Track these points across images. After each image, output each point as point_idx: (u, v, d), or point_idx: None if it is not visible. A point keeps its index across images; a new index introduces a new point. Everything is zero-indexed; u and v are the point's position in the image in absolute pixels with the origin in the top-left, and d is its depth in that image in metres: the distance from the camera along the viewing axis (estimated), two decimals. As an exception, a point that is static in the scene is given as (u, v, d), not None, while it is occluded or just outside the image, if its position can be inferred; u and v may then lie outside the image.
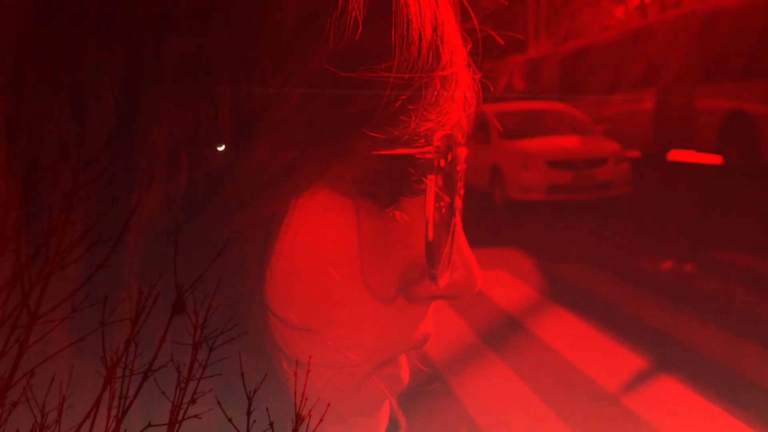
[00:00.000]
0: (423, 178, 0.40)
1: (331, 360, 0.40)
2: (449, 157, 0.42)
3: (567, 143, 8.61)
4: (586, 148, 8.42)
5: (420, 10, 0.40)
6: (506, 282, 5.56)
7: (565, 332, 4.49)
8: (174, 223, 0.35)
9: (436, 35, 0.40)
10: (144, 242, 0.34)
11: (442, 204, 0.42)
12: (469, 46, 0.45)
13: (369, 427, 0.45)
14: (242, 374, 0.29)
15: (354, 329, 0.41)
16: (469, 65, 0.45)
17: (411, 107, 0.39)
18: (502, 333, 4.52)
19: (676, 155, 11.66)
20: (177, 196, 0.35)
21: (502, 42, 0.51)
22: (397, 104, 0.38)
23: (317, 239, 0.39)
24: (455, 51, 0.42)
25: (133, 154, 0.35)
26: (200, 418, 0.25)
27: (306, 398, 0.38)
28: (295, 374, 0.36)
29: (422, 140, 0.40)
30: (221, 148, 0.35)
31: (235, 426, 0.27)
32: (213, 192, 0.35)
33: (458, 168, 0.44)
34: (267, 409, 0.26)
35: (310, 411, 0.28)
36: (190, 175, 0.35)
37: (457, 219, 0.45)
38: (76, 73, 0.35)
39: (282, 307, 0.38)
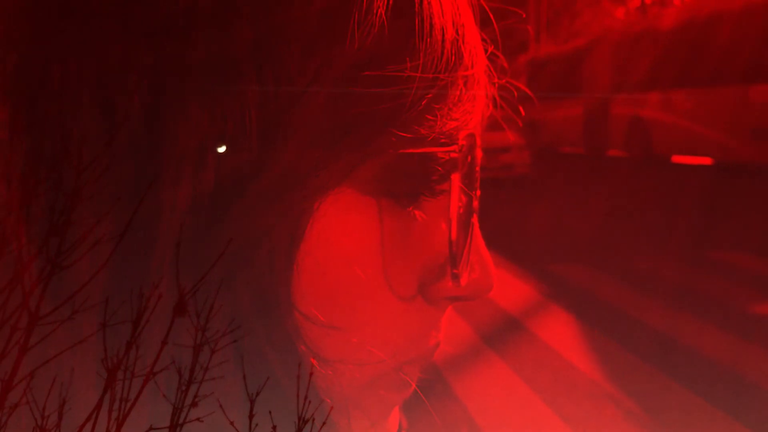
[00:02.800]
0: (451, 176, 0.41)
1: (355, 357, 0.40)
2: (470, 157, 0.42)
3: (484, 136, 11.00)
4: (496, 139, 10.82)
5: (442, 11, 0.40)
6: (506, 280, 5.57)
7: (567, 333, 4.49)
8: (203, 222, 0.35)
9: (458, 35, 0.41)
10: (173, 242, 0.34)
11: (460, 204, 0.42)
12: (490, 50, 0.46)
13: (385, 428, 0.46)
14: (244, 376, 0.29)
15: (377, 327, 0.41)
16: (487, 70, 0.46)
17: (437, 106, 0.40)
18: (503, 333, 4.52)
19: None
20: (204, 196, 0.35)
21: (523, 61, 0.52)
22: (423, 103, 0.39)
23: (341, 238, 0.39)
24: (476, 52, 0.43)
25: (159, 153, 0.35)
26: (202, 421, 0.25)
27: (320, 397, 0.39)
28: (292, 374, 0.36)
29: (447, 140, 0.41)
30: (221, 150, 0.35)
31: (236, 429, 0.27)
32: (240, 191, 0.36)
33: (476, 168, 0.44)
34: (270, 413, 0.26)
35: (312, 413, 0.28)
36: (217, 174, 0.35)
37: (475, 219, 0.45)
38: (102, 72, 0.35)
39: (307, 304, 0.39)
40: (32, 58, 0.35)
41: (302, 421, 0.25)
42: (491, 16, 0.47)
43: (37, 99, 0.35)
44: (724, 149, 10.14)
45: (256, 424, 0.25)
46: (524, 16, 0.61)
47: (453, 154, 0.41)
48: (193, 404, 0.25)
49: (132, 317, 0.26)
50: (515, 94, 0.53)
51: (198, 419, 0.25)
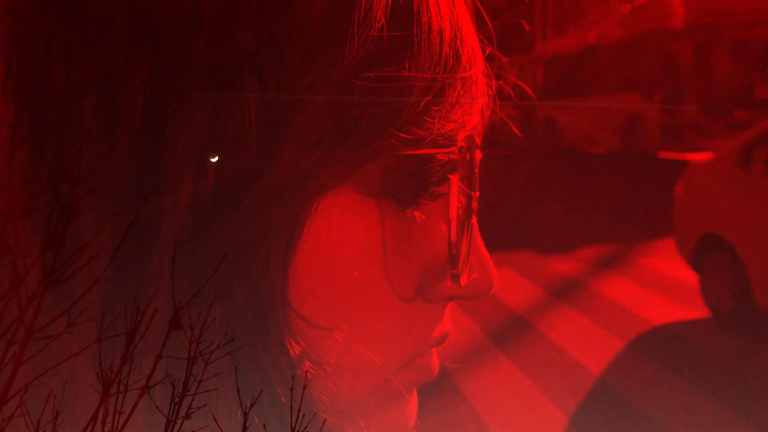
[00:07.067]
0: (448, 176, 0.41)
1: (353, 362, 0.41)
2: (468, 158, 0.42)
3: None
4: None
5: (440, 13, 0.40)
6: (513, 280, 5.55)
7: (573, 331, 4.48)
8: (202, 224, 0.35)
9: (456, 37, 0.41)
10: (173, 244, 0.35)
11: (459, 205, 0.43)
12: (488, 51, 0.46)
13: (400, 419, 0.46)
14: (238, 390, 0.29)
15: (376, 329, 0.42)
16: (485, 71, 0.46)
17: (435, 108, 0.40)
18: (509, 331, 4.51)
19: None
20: (204, 198, 0.35)
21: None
22: (421, 105, 0.39)
23: (341, 239, 0.39)
24: (474, 54, 0.43)
25: (159, 158, 0.35)
26: (196, 434, 0.25)
27: (326, 399, 0.39)
28: (288, 383, 0.36)
29: (446, 141, 0.41)
30: (214, 159, 0.35)
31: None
32: (241, 193, 0.36)
33: (475, 170, 0.44)
34: (264, 426, 0.26)
35: (306, 424, 0.28)
36: (217, 176, 0.35)
37: (474, 220, 0.45)
38: (105, 75, 0.35)
39: (304, 305, 0.39)
40: (32, 63, 0.35)
41: (295, 434, 0.25)
42: (486, 19, 0.47)
43: (37, 106, 0.35)
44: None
45: (250, 437, 0.25)
46: (523, 15, 0.61)
47: (452, 156, 0.41)
48: (187, 416, 0.25)
49: (128, 330, 0.27)
50: (512, 94, 0.53)
51: (192, 432, 0.25)
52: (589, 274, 5.89)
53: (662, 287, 5.38)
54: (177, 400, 0.25)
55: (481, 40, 0.45)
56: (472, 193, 0.45)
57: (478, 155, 0.45)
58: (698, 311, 4.80)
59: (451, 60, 0.40)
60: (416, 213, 0.42)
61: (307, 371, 0.38)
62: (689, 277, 5.21)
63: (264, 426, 0.26)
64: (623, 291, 5.38)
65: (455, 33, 0.41)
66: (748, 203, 4.64)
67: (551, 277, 5.78)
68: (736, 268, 4.52)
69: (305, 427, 0.26)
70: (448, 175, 0.41)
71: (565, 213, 8.54)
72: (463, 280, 0.43)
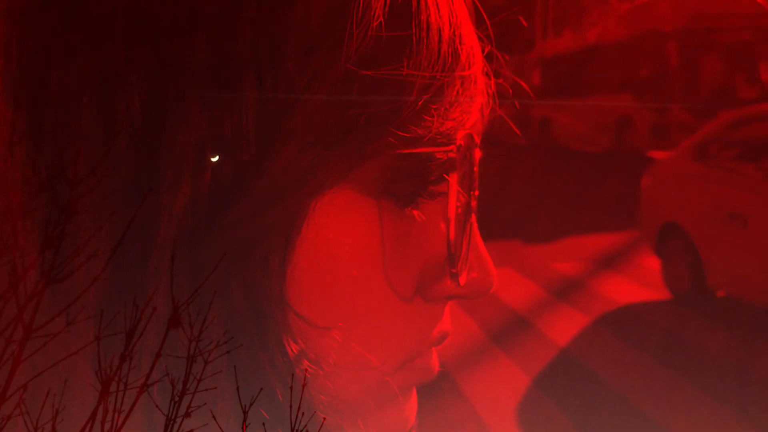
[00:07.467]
0: (445, 175, 0.41)
1: (351, 362, 0.41)
2: (467, 157, 0.42)
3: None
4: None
5: (439, 12, 0.40)
6: (513, 279, 5.55)
7: (573, 331, 4.48)
8: (200, 224, 0.35)
9: (455, 35, 0.41)
10: (169, 251, 0.35)
11: (458, 204, 0.43)
12: (487, 50, 0.46)
13: (399, 419, 0.46)
14: (237, 388, 0.29)
15: (375, 328, 0.42)
16: (485, 70, 0.46)
17: (433, 107, 0.40)
18: (509, 331, 4.51)
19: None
20: (203, 197, 0.35)
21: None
22: (420, 103, 0.39)
23: (340, 238, 0.39)
24: (473, 53, 0.43)
25: (158, 158, 0.35)
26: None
27: (324, 399, 0.39)
28: (287, 382, 0.36)
29: (445, 139, 0.41)
30: (215, 159, 0.35)
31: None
32: (239, 191, 0.36)
33: (474, 168, 0.44)
34: (264, 425, 0.26)
35: (305, 423, 0.28)
36: (215, 175, 0.35)
37: (473, 219, 0.45)
38: (104, 75, 0.35)
39: (303, 305, 0.39)
40: (32, 63, 0.35)
41: (295, 432, 0.25)
42: (485, 17, 0.47)
43: (36, 105, 0.35)
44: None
45: (249, 436, 0.25)
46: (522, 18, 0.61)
47: (451, 154, 0.41)
48: (186, 415, 0.25)
49: (127, 328, 0.27)
50: (510, 92, 0.53)
51: (191, 431, 0.25)
52: (589, 273, 5.90)
53: (662, 286, 5.38)
54: (176, 398, 0.25)
55: (480, 39, 0.45)
56: (472, 192, 0.45)
57: (478, 154, 0.45)
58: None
59: (450, 58, 0.40)
60: (415, 212, 0.42)
61: (305, 370, 0.38)
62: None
63: (263, 425, 0.26)
64: (623, 291, 5.38)
65: (454, 31, 0.41)
66: (703, 194, 5.11)
67: (551, 277, 5.78)
68: (691, 253, 5.01)
69: (304, 426, 0.26)
70: (448, 174, 0.41)
71: (565, 212, 8.54)
72: (462, 279, 0.43)
